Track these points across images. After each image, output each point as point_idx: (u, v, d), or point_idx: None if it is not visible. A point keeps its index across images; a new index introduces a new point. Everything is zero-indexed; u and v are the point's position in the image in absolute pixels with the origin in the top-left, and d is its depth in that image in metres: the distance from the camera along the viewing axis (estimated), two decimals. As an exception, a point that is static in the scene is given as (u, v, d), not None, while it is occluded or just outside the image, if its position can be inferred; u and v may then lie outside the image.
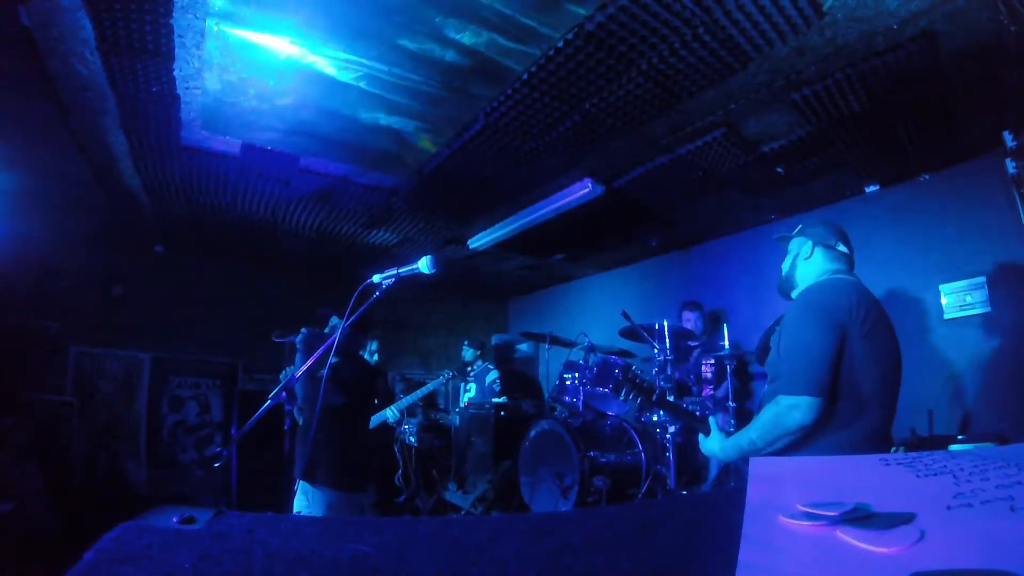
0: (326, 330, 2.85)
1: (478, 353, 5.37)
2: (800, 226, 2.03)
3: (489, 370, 5.15)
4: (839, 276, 1.86)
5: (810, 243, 1.94)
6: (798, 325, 1.73)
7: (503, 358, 5.25)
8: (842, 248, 1.92)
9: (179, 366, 5.54)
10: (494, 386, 4.96)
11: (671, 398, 3.60)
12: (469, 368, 5.38)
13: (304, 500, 2.63)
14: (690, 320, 4.41)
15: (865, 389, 1.65)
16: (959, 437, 2.78)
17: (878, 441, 1.67)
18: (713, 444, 1.86)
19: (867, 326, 1.67)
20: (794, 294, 1.96)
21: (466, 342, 5.49)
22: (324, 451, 2.63)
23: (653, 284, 5.64)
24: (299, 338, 2.57)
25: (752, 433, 1.69)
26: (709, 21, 2.22)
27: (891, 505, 0.56)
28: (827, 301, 1.73)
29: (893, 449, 1.80)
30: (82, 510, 4.08)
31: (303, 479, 2.64)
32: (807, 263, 1.95)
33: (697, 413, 3.44)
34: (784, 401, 1.63)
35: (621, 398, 2.25)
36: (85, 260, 5.18)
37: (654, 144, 3.29)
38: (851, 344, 1.65)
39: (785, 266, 2.03)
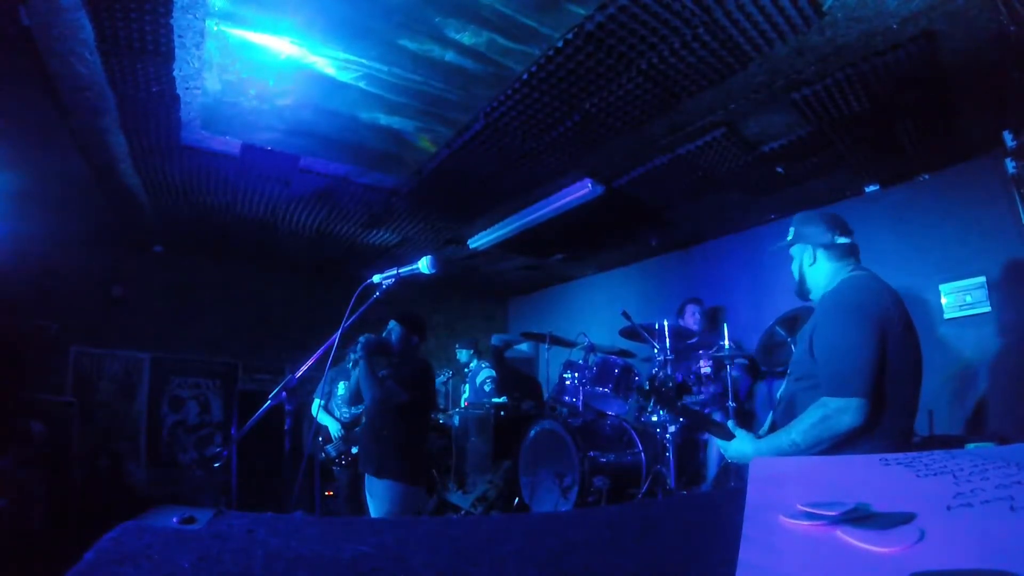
0: (383, 334, 3.01)
1: (472, 353, 5.35)
2: (793, 229, 1.96)
3: (482, 369, 5.12)
4: (859, 273, 1.82)
5: (810, 248, 1.90)
6: (836, 325, 1.69)
7: (499, 357, 5.25)
8: (841, 239, 1.86)
9: (179, 366, 5.55)
10: (485, 386, 4.91)
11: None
12: (465, 369, 5.37)
13: (367, 494, 2.90)
14: (693, 314, 4.43)
15: (901, 388, 1.63)
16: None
17: (908, 439, 1.66)
18: (744, 446, 1.75)
19: (901, 325, 1.65)
20: (813, 296, 1.92)
21: (458, 344, 5.47)
22: (390, 446, 2.85)
23: (653, 284, 5.64)
24: (360, 342, 2.79)
25: (795, 435, 1.62)
26: (709, 21, 2.22)
27: (891, 505, 0.56)
28: (864, 301, 1.69)
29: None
30: (82, 510, 4.08)
31: (370, 473, 2.87)
32: (814, 268, 1.90)
33: (717, 417, 3.46)
34: (832, 403, 1.58)
35: (649, 410, 2.23)
36: (85, 260, 5.18)
37: (654, 144, 3.29)
38: (890, 344, 1.63)
39: (794, 272, 1.99)
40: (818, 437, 1.59)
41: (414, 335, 3.06)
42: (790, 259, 2.00)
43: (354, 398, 3.02)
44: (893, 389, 1.62)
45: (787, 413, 1.74)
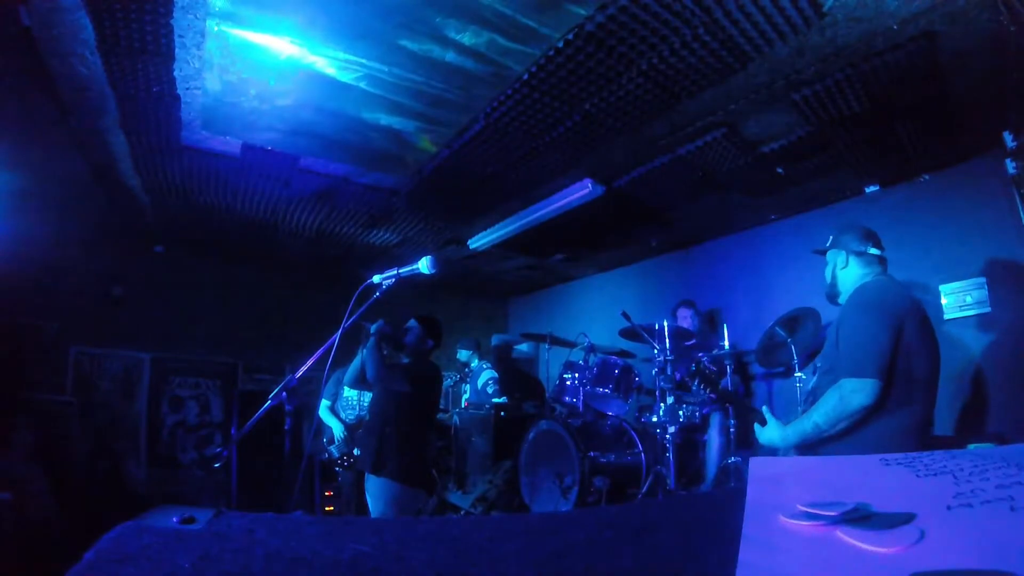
0: (402, 330, 3.11)
1: (473, 353, 5.28)
2: (832, 237, 2.19)
3: (483, 370, 5.06)
4: (883, 278, 2.03)
5: (844, 254, 2.12)
6: (857, 319, 1.89)
7: (502, 358, 5.21)
8: (873, 251, 2.08)
9: (179, 366, 5.54)
10: (487, 388, 4.86)
11: (671, 398, 3.61)
12: (466, 369, 5.34)
13: (366, 493, 2.90)
14: (685, 318, 4.42)
15: (916, 378, 1.82)
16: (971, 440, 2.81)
17: (926, 428, 1.85)
18: (773, 433, 1.95)
19: (918, 320, 1.86)
20: (841, 299, 2.13)
21: (459, 344, 5.36)
22: (390, 443, 2.86)
23: (653, 284, 5.64)
24: (375, 326, 2.85)
25: (817, 417, 1.81)
26: (709, 21, 2.22)
27: (891, 505, 0.56)
28: (884, 298, 1.90)
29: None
30: (82, 509, 4.08)
31: (368, 470, 2.87)
32: (845, 272, 2.12)
33: (717, 417, 3.56)
34: (848, 384, 1.78)
35: (694, 388, 2.42)
36: (85, 260, 5.17)
37: (654, 144, 3.29)
38: (906, 337, 1.82)
39: (827, 276, 2.20)
40: (836, 416, 1.78)
41: (430, 338, 3.15)
42: (824, 263, 2.22)
43: (356, 380, 3.03)
44: (908, 374, 1.81)
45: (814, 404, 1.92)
